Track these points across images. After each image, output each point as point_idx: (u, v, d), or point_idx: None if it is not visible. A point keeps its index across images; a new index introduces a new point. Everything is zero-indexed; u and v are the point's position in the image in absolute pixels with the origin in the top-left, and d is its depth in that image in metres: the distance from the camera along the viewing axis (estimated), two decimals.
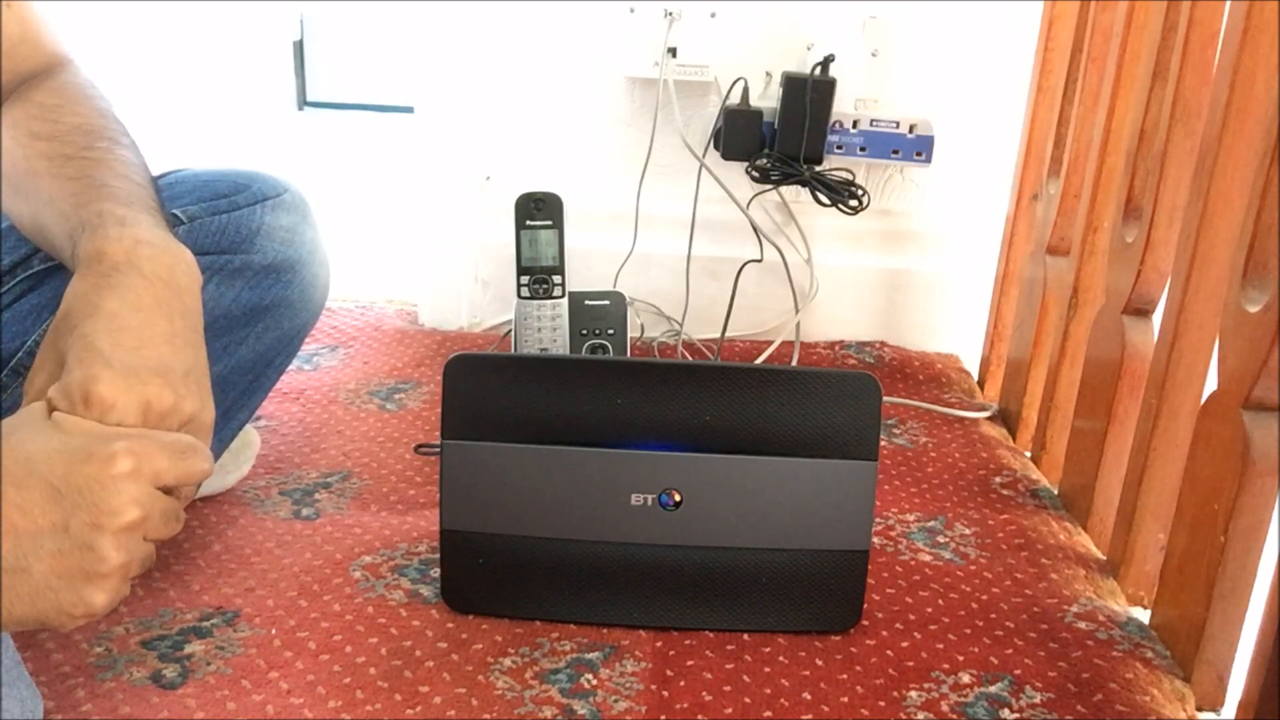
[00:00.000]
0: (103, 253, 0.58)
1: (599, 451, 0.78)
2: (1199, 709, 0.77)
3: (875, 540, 0.95)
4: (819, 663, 0.78)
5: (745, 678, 0.77)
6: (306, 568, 0.87)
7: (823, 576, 0.80)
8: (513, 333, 1.16)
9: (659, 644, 0.79)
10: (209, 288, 0.81)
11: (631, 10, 1.28)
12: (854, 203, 1.25)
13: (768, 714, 0.73)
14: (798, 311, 1.35)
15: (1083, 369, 1.03)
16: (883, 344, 1.42)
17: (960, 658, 0.80)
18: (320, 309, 0.92)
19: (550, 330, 1.13)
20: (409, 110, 1.42)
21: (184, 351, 0.58)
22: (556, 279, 1.12)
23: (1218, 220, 0.79)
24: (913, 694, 0.76)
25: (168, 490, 0.55)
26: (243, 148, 1.77)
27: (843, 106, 1.28)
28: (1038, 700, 0.76)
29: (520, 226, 1.11)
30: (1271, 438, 0.73)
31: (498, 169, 1.39)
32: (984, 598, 0.87)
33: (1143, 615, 0.87)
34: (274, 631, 0.79)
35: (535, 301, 1.12)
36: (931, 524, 0.99)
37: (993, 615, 0.85)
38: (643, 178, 1.33)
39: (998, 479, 1.08)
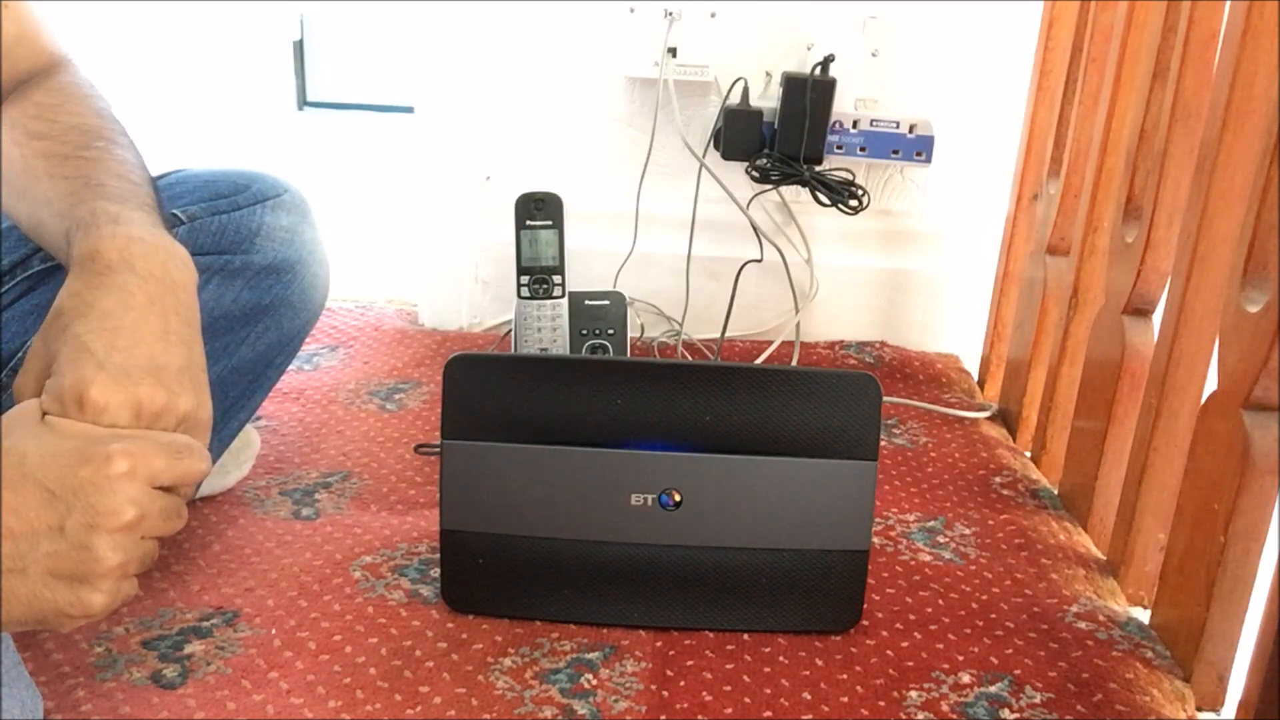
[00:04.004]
0: (97, 251, 0.58)
1: (599, 451, 0.78)
2: (1199, 709, 0.77)
3: (875, 540, 0.95)
4: (819, 663, 0.78)
5: (745, 678, 0.77)
6: (306, 568, 0.87)
7: (823, 576, 0.80)
8: (513, 333, 1.16)
9: (659, 644, 0.79)
10: (209, 288, 0.81)
11: (631, 10, 1.28)
12: (854, 203, 1.25)
13: (768, 714, 0.73)
14: (798, 311, 1.35)
15: (1083, 369, 1.02)
16: (883, 344, 1.42)
17: (960, 658, 0.80)
18: (320, 309, 0.92)
19: (550, 330, 1.13)
20: (409, 110, 1.42)
21: (178, 349, 0.58)
22: (556, 279, 1.12)
23: (1218, 220, 0.79)
24: (913, 694, 0.76)
25: (166, 490, 0.55)
26: (243, 148, 1.77)
27: (843, 106, 1.28)
28: (1038, 700, 0.76)
29: (520, 226, 1.11)
30: (1271, 438, 0.73)
31: (498, 169, 1.39)
32: (984, 598, 0.87)
33: (1143, 615, 0.87)
34: (274, 631, 0.79)
35: (535, 301, 1.12)
36: (931, 524, 0.99)
37: (993, 615, 0.85)
38: (643, 178, 1.33)
39: (998, 479, 1.08)
